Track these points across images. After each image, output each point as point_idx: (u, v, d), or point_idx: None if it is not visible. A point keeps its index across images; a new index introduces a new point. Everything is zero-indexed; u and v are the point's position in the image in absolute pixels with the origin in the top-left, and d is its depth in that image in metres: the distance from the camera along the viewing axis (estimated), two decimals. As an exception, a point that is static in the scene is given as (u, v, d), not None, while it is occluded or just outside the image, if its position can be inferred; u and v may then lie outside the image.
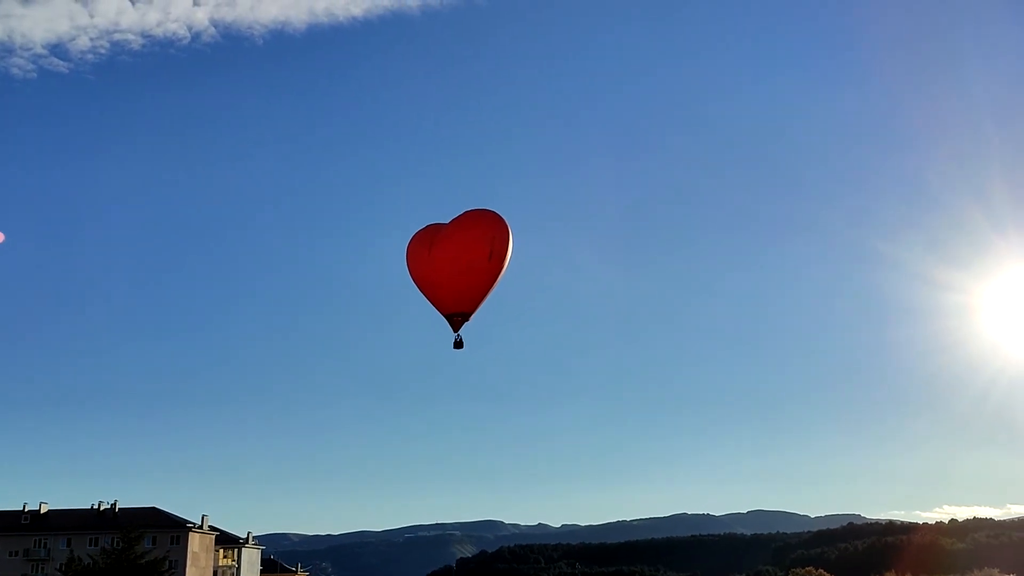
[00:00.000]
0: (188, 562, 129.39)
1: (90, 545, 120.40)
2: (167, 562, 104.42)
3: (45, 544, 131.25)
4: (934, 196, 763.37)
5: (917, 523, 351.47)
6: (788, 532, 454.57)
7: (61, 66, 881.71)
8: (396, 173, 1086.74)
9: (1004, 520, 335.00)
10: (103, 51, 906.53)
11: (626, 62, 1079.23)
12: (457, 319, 31.36)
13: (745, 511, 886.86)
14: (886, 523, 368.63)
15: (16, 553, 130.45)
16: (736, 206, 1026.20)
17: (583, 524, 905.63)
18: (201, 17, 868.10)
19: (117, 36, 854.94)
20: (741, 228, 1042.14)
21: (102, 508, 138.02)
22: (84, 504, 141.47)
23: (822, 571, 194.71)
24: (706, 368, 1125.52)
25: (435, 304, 32.13)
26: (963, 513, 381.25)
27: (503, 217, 32.17)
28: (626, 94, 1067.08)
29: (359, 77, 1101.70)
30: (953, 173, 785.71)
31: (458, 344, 31.06)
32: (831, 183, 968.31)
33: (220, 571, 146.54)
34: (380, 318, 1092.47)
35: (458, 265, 31.16)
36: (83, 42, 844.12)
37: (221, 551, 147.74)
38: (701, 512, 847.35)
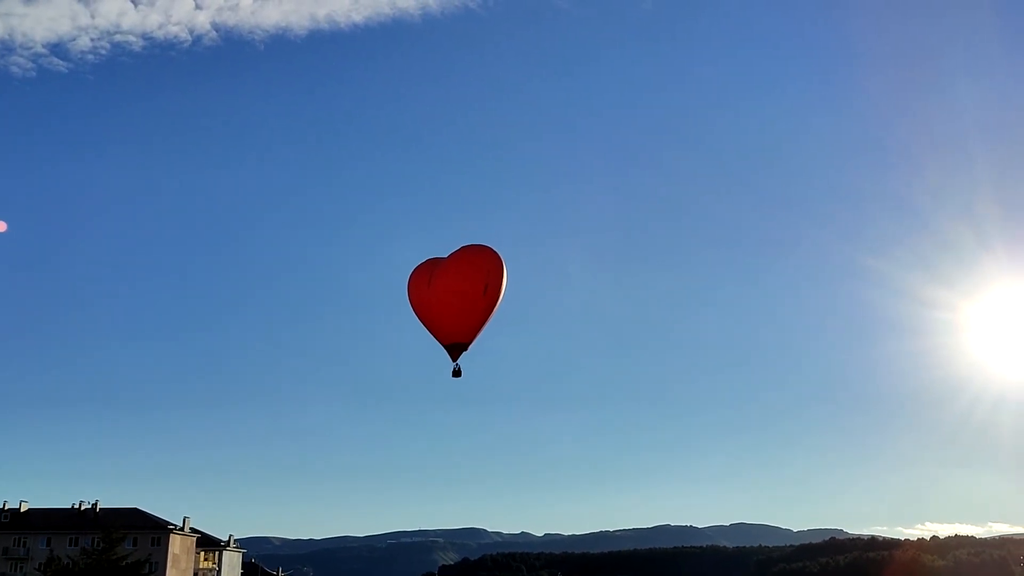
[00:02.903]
0: (168, 564, 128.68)
1: (70, 545, 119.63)
2: (147, 563, 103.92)
3: (25, 543, 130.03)
4: (923, 214, 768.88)
5: (899, 539, 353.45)
6: (770, 545, 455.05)
7: (61, 66, 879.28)
8: (394, 179, 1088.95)
9: (985, 538, 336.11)
10: (104, 52, 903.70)
11: (623, 77, 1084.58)
12: (455, 349, 33.05)
13: (728, 524, 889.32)
14: (868, 539, 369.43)
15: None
16: (726, 221, 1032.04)
17: (566, 533, 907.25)
18: (203, 20, 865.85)
19: (118, 37, 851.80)
20: (730, 243, 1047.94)
21: (83, 508, 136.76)
22: (65, 503, 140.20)
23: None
24: (693, 381, 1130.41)
25: (435, 335, 33.81)
26: (945, 530, 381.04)
27: (498, 252, 33.87)
28: (622, 109, 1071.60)
29: (359, 83, 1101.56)
30: (942, 192, 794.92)
31: (456, 373, 32.63)
32: (820, 200, 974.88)
33: (201, 574, 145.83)
34: (367, 324, 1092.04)
35: (455, 298, 32.85)
36: (84, 42, 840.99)
37: (202, 553, 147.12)
38: (684, 524, 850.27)
